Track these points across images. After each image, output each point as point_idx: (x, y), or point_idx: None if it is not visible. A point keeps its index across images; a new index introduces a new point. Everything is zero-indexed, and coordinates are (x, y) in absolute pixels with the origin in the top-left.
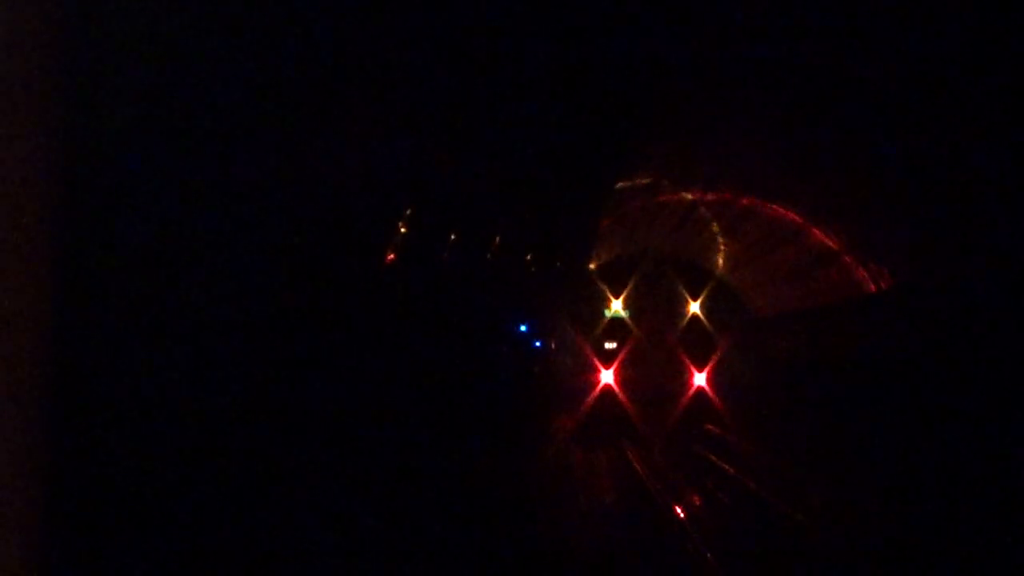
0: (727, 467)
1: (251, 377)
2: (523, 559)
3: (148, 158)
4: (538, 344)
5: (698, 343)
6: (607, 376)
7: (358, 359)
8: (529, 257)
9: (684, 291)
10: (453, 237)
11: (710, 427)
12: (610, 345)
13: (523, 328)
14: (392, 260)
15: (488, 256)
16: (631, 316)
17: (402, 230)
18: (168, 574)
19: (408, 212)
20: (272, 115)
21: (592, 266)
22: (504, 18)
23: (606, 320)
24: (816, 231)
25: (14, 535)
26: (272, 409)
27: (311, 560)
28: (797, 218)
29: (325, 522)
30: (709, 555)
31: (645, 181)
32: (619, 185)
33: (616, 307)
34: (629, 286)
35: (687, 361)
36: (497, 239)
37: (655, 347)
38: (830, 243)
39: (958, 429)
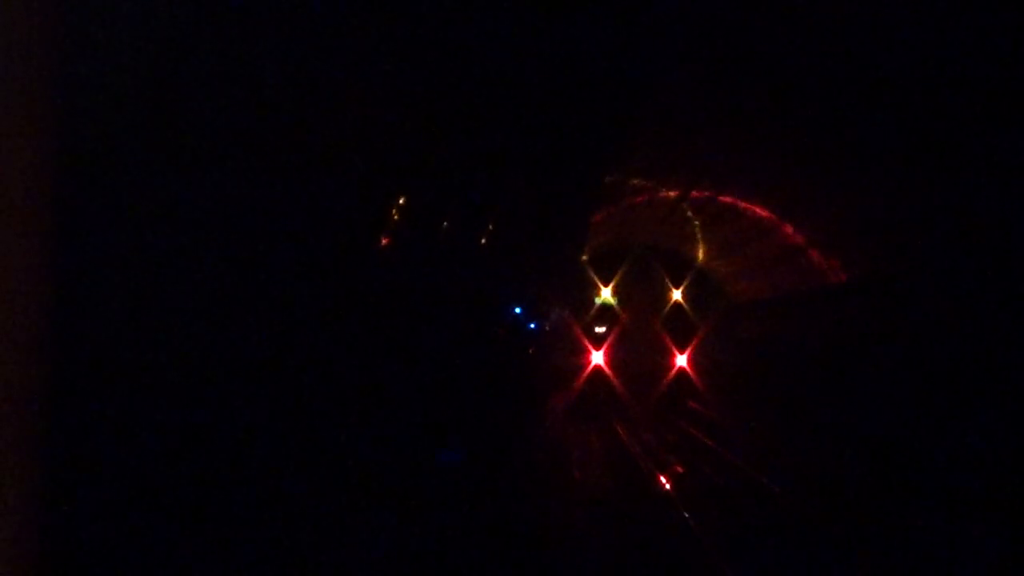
0: (706, 439)
1: (248, 365)
2: (521, 529)
3: (144, 151)
4: (533, 326)
5: (680, 327)
6: (597, 357)
7: (356, 341)
8: (525, 246)
9: (668, 280)
10: (446, 224)
11: (691, 403)
12: (600, 329)
13: (518, 310)
14: (387, 243)
15: (483, 240)
16: (619, 303)
17: (395, 216)
18: (168, 573)
19: (401, 201)
20: (268, 105)
21: (584, 256)
22: (504, 20)
23: (596, 306)
24: (786, 227)
25: (15, 534)
26: (270, 396)
27: (312, 550)
28: (770, 215)
29: (324, 508)
30: (687, 515)
31: (634, 180)
32: (610, 183)
33: (606, 294)
34: (618, 275)
35: (670, 344)
36: (490, 226)
37: (641, 331)
38: (798, 238)
39: (912, 403)
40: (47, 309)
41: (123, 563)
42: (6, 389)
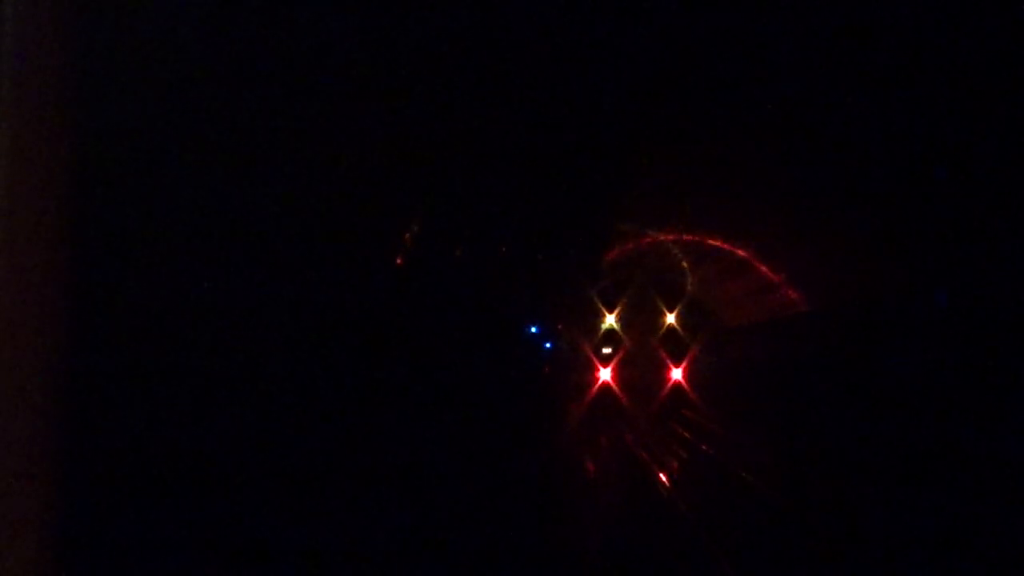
0: (698, 442)
1: (258, 378)
2: (544, 529)
3: (155, 162)
4: (548, 346)
5: (675, 348)
6: (605, 374)
7: (390, 354)
8: (542, 277)
9: (664, 308)
10: (458, 253)
11: (685, 412)
12: (607, 350)
13: (534, 330)
14: (408, 265)
15: (503, 270)
16: (623, 327)
17: (408, 244)
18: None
19: (415, 229)
20: (280, 120)
21: (593, 288)
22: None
23: (603, 330)
24: (763, 266)
25: (17, 537)
26: (281, 410)
27: (330, 560)
28: (750, 256)
29: (344, 525)
30: (682, 504)
31: (635, 227)
32: (614, 230)
33: (611, 320)
34: (621, 304)
35: (667, 361)
36: (508, 257)
37: (642, 351)
38: (771, 275)
39: (869, 412)
40: (54, 311)
41: (129, 565)
42: (15, 394)
